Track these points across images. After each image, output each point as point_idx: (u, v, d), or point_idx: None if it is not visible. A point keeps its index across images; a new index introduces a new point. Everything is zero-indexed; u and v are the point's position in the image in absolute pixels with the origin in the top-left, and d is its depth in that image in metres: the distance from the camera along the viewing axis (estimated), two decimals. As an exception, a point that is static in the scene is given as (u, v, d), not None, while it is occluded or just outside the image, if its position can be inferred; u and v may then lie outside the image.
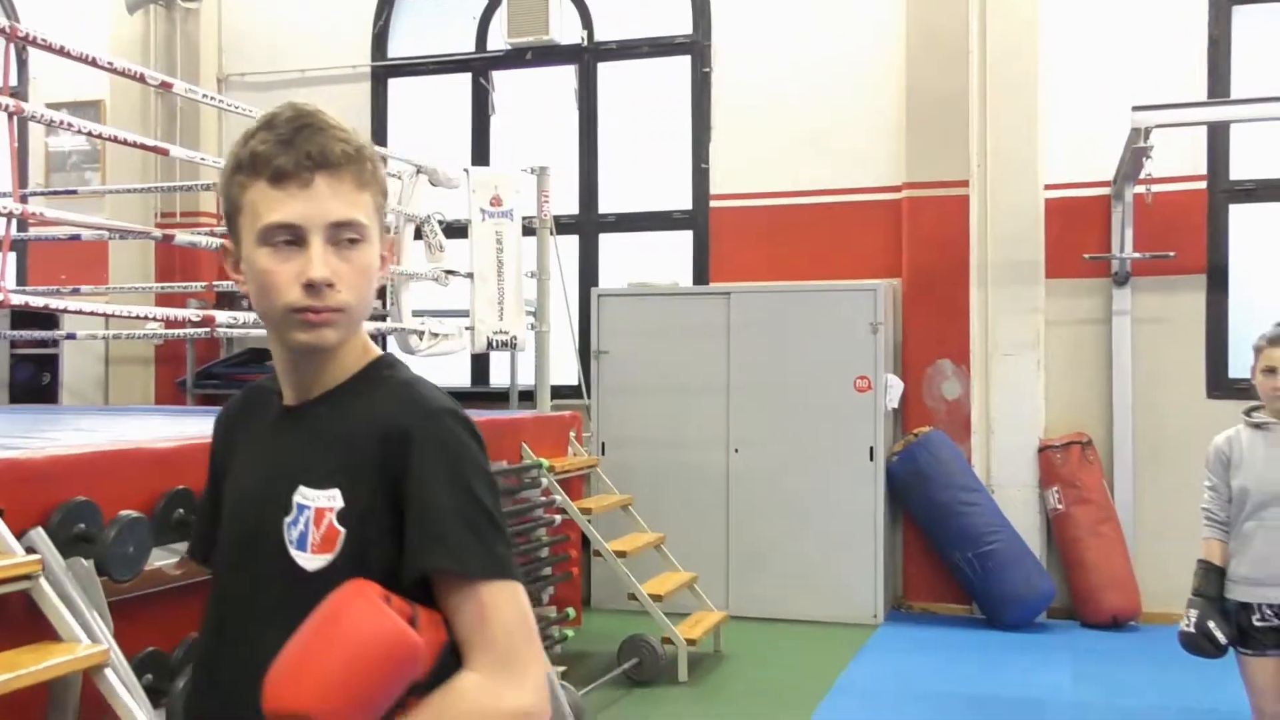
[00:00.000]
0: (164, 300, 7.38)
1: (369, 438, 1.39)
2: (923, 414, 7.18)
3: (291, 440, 1.45)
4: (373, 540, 1.37)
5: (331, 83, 8.26)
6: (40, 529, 2.86)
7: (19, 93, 8.70)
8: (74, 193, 7.22)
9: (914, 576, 7.26)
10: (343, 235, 1.38)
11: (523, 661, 1.36)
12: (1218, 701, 5.10)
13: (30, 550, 2.78)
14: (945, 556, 7.00)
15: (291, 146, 1.36)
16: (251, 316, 4.61)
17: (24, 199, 6.60)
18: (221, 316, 4.71)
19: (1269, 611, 3.41)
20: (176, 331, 5.19)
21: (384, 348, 8.07)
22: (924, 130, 7.13)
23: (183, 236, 5.20)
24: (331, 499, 1.39)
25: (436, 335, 6.24)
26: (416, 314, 6.27)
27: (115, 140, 4.60)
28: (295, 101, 1.42)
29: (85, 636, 2.72)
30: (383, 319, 6.51)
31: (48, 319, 7.18)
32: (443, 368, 7.72)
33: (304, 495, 1.39)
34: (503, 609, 1.37)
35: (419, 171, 6.09)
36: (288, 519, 1.40)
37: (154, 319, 5.01)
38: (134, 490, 3.21)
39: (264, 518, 1.41)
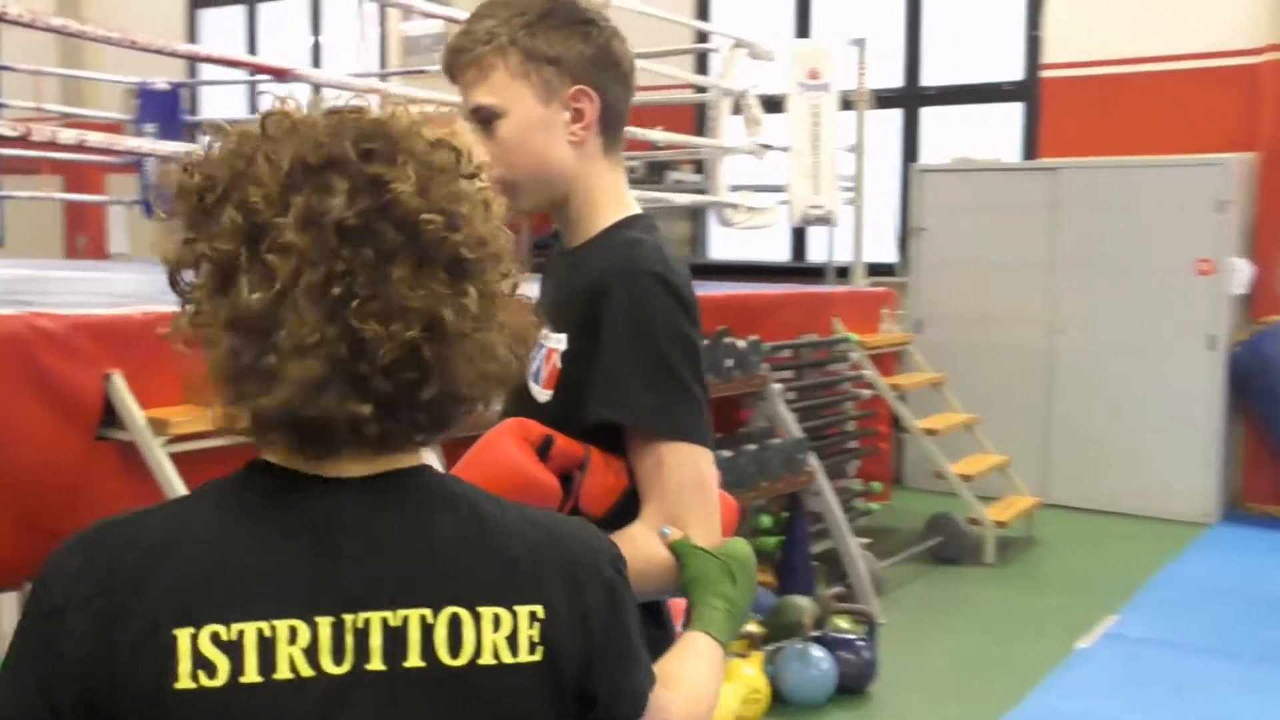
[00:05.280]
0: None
1: (585, 291, 1.45)
2: (1274, 301, 6.61)
3: (551, 283, 1.60)
4: (575, 386, 1.43)
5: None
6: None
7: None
8: (423, 72, 7.71)
9: (1255, 477, 6.76)
10: (476, 119, 1.47)
11: (687, 522, 1.39)
12: None
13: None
14: (1293, 457, 6.49)
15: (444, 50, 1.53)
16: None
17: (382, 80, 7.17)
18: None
19: None
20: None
21: (703, 221, 8.28)
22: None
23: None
24: (559, 341, 1.47)
25: (753, 210, 6.32)
26: (735, 188, 6.37)
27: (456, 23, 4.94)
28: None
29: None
30: (700, 192, 6.67)
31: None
32: (763, 243, 7.81)
33: (544, 335, 1.47)
34: (678, 468, 1.39)
35: (738, 44, 6.13)
36: (532, 353, 1.46)
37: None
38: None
39: None
